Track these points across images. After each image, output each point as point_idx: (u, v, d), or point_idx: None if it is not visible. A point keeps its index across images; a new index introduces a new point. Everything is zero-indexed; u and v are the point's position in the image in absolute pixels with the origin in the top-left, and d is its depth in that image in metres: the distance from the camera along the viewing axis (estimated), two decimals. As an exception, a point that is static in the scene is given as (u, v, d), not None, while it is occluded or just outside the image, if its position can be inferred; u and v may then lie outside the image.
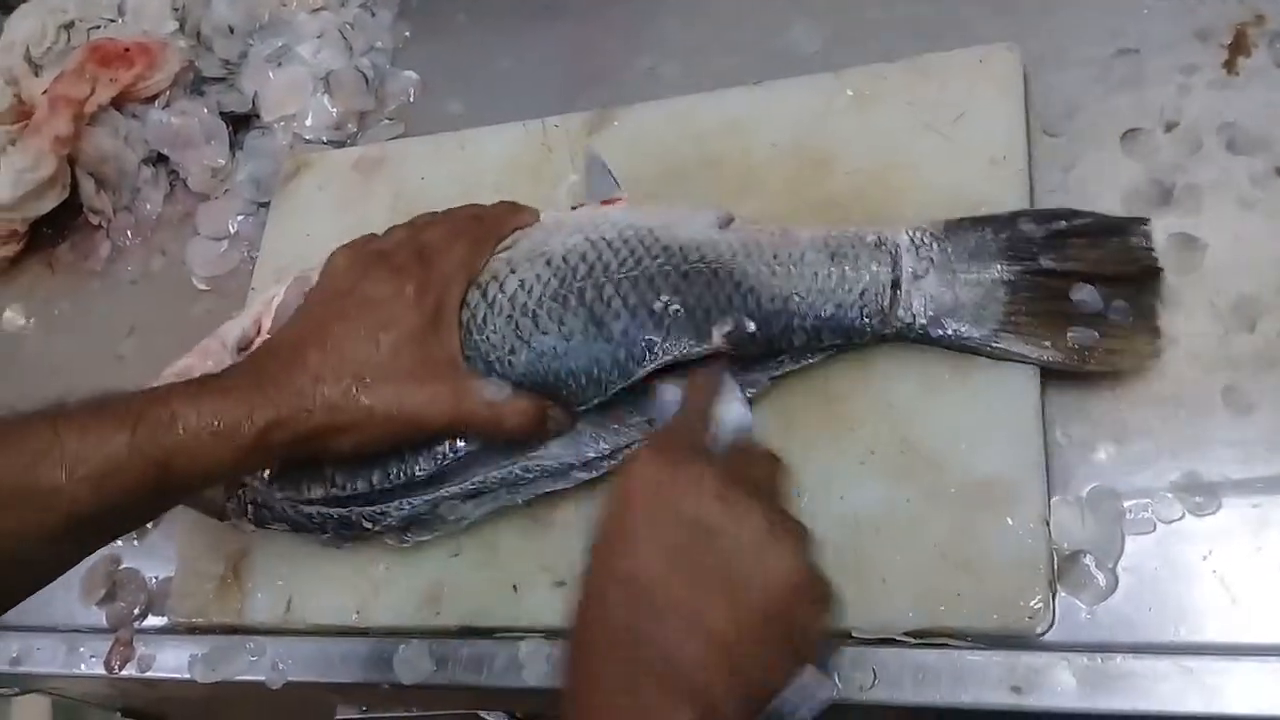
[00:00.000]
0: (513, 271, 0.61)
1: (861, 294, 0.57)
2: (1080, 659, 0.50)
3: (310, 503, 0.62)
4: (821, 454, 0.58)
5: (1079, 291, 0.55)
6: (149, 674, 0.68)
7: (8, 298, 0.92)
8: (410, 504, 0.61)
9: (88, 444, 0.51)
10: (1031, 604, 0.52)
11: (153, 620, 0.72)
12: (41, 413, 0.53)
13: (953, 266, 0.57)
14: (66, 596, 0.73)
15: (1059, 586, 0.52)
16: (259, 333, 0.66)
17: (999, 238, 0.57)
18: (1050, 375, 0.56)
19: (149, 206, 0.90)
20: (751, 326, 0.57)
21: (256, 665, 0.65)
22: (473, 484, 0.60)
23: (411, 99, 0.86)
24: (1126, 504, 0.53)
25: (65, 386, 0.81)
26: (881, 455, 0.57)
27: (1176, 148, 0.59)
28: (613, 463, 0.60)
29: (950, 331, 0.56)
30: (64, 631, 0.72)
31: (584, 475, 0.60)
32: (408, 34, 0.89)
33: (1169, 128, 0.59)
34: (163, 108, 0.88)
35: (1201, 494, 0.52)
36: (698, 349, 0.57)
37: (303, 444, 0.56)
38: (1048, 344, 0.55)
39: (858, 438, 0.58)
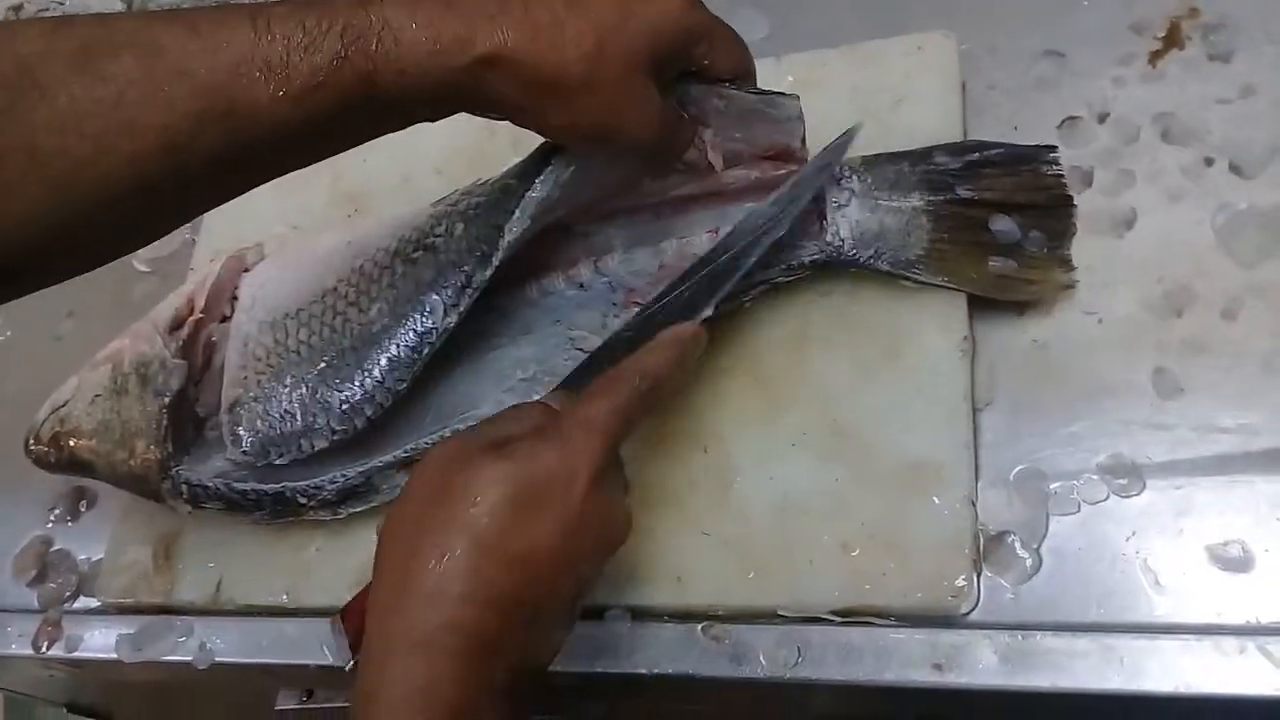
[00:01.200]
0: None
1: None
2: (1002, 637, 0.50)
3: (245, 479, 0.61)
4: (753, 435, 0.58)
5: (998, 222, 0.56)
6: (76, 654, 0.67)
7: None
8: (344, 475, 0.61)
9: (293, 51, 0.45)
10: (956, 583, 0.52)
11: (86, 602, 0.71)
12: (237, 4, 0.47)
13: (874, 195, 0.58)
14: (-3, 576, 0.72)
15: (984, 566, 0.52)
16: (192, 312, 0.66)
17: (916, 169, 0.59)
18: (980, 355, 0.56)
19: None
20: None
21: (183, 646, 0.64)
22: (405, 451, 0.60)
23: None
24: (1052, 485, 0.53)
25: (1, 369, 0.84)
26: (812, 436, 0.57)
27: (1112, 136, 0.59)
28: None
29: (875, 254, 0.58)
30: (-7, 610, 0.71)
31: None
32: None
33: (1102, 118, 0.60)
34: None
35: (1126, 476, 0.52)
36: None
37: (518, 90, 0.48)
38: (971, 273, 0.57)
39: (789, 420, 0.58)
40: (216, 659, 0.63)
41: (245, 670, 0.64)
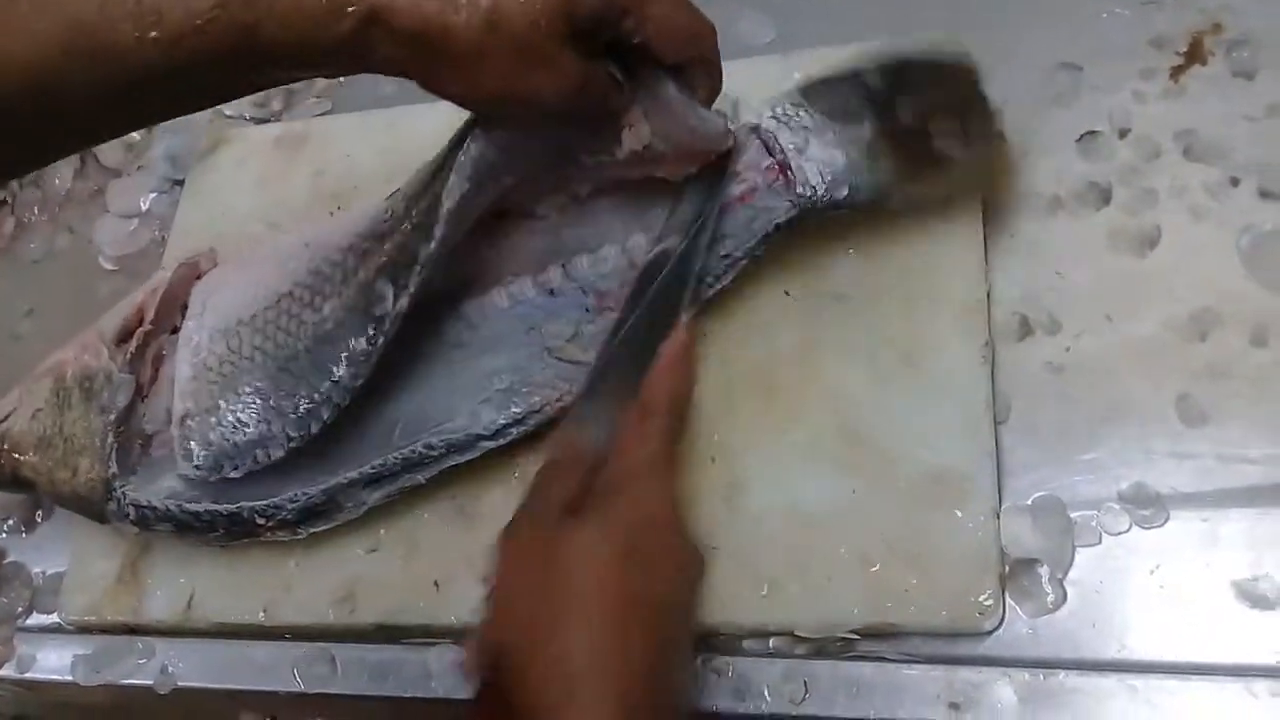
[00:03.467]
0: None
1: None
2: (1022, 674, 0.48)
3: (197, 499, 0.58)
4: (765, 446, 0.56)
5: (939, 132, 0.55)
6: (28, 675, 0.62)
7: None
8: (305, 494, 0.57)
9: None
10: (982, 599, 0.50)
11: (40, 619, 0.66)
12: None
13: (830, 127, 0.56)
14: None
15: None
16: (141, 323, 0.62)
17: (855, 94, 0.56)
18: (995, 375, 0.54)
19: (58, 182, 0.85)
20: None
21: (144, 668, 0.60)
22: (372, 467, 0.57)
23: (341, 77, 0.82)
24: (1073, 514, 0.51)
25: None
26: (827, 447, 0.55)
27: (1133, 153, 0.58)
28: (522, 428, 0.57)
29: (855, 192, 0.55)
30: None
31: (490, 444, 0.57)
32: (342, 9, 0.85)
33: (1123, 134, 0.58)
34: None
35: (1149, 506, 0.50)
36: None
37: (405, 50, 0.45)
38: (941, 183, 0.56)
39: (802, 429, 0.56)
40: (179, 683, 0.60)
41: (209, 694, 0.61)
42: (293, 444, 0.56)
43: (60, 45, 0.44)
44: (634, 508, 0.48)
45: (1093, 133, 0.58)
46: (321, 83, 0.82)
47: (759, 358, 0.58)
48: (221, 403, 0.57)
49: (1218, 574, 0.48)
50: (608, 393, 0.54)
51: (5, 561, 0.69)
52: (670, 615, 0.47)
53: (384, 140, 0.73)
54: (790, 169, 0.56)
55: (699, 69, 0.52)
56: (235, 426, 0.57)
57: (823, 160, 0.56)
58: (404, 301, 0.54)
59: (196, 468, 0.57)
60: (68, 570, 0.66)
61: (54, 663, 0.63)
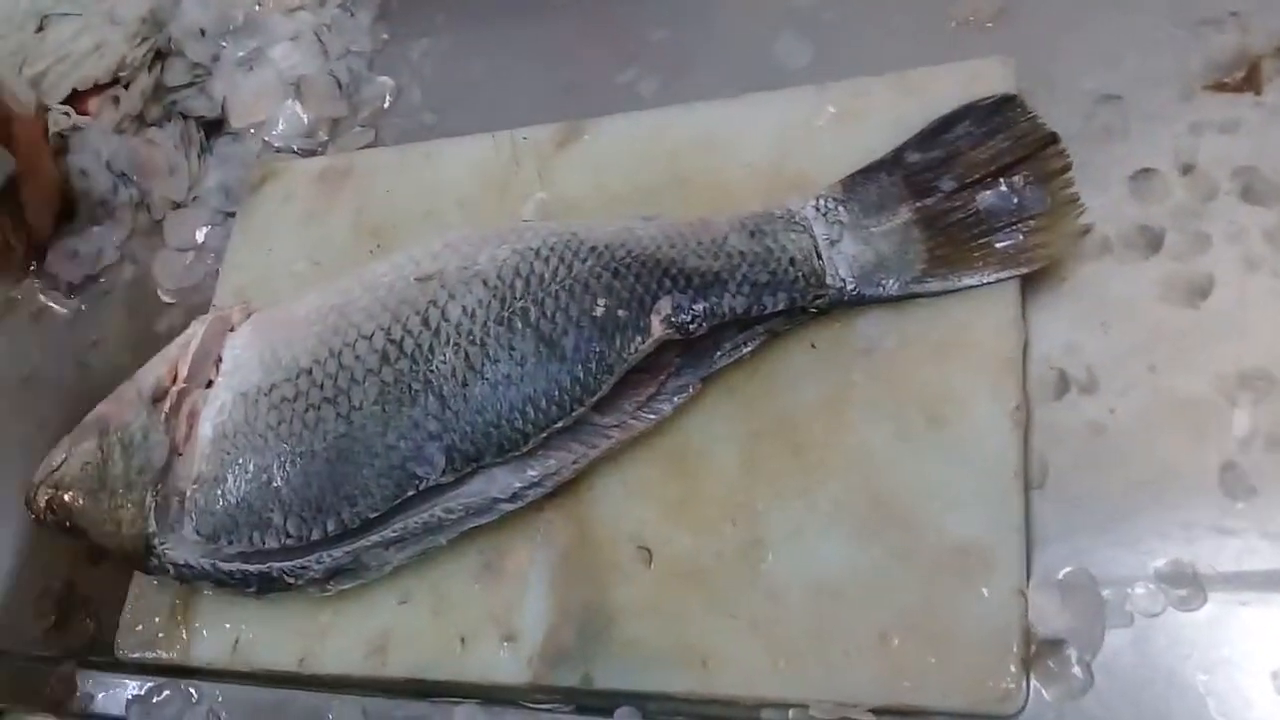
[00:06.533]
0: (451, 297, 0.58)
1: (791, 261, 0.56)
2: (1047, 766, 0.46)
3: (229, 559, 0.59)
4: (786, 507, 0.55)
5: (985, 198, 0.54)
6: (88, 711, 0.65)
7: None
8: (331, 556, 0.58)
9: None
10: (1003, 684, 0.48)
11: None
12: None
13: (863, 224, 0.56)
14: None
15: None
16: (174, 381, 0.63)
17: (893, 179, 0.56)
18: (1030, 434, 0.52)
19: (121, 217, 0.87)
20: (689, 302, 0.55)
21: (194, 710, 0.62)
22: (394, 531, 0.57)
23: (385, 105, 0.82)
24: (1105, 592, 0.49)
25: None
26: (850, 510, 0.53)
27: (1188, 193, 0.54)
28: (539, 490, 0.57)
29: (881, 287, 0.55)
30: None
31: (509, 506, 0.57)
32: (386, 37, 0.85)
33: (1182, 170, 0.54)
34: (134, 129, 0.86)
35: (1187, 586, 0.47)
36: (644, 346, 0.55)
37: None
38: (979, 263, 0.54)
39: (825, 490, 0.54)
40: (225, 727, 0.62)
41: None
42: (289, 541, 0.57)
43: None
44: None
45: (1147, 170, 0.55)
46: (367, 110, 0.82)
47: (782, 413, 0.56)
48: (229, 475, 0.58)
49: (1258, 664, 0.46)
50: None
51: (73, 594, 0.72)
52: None
53: (422, 175, 0.73)
54: (821, 259, 0.56)
55: None
56: (238, 504, 0.58)
57: (853, 255, 0.56)
58: (450, 478, 0.56)
59: (197, 533, 0.58)
60: (126, 606, 0.68)
61: (111, 702, 0.66)
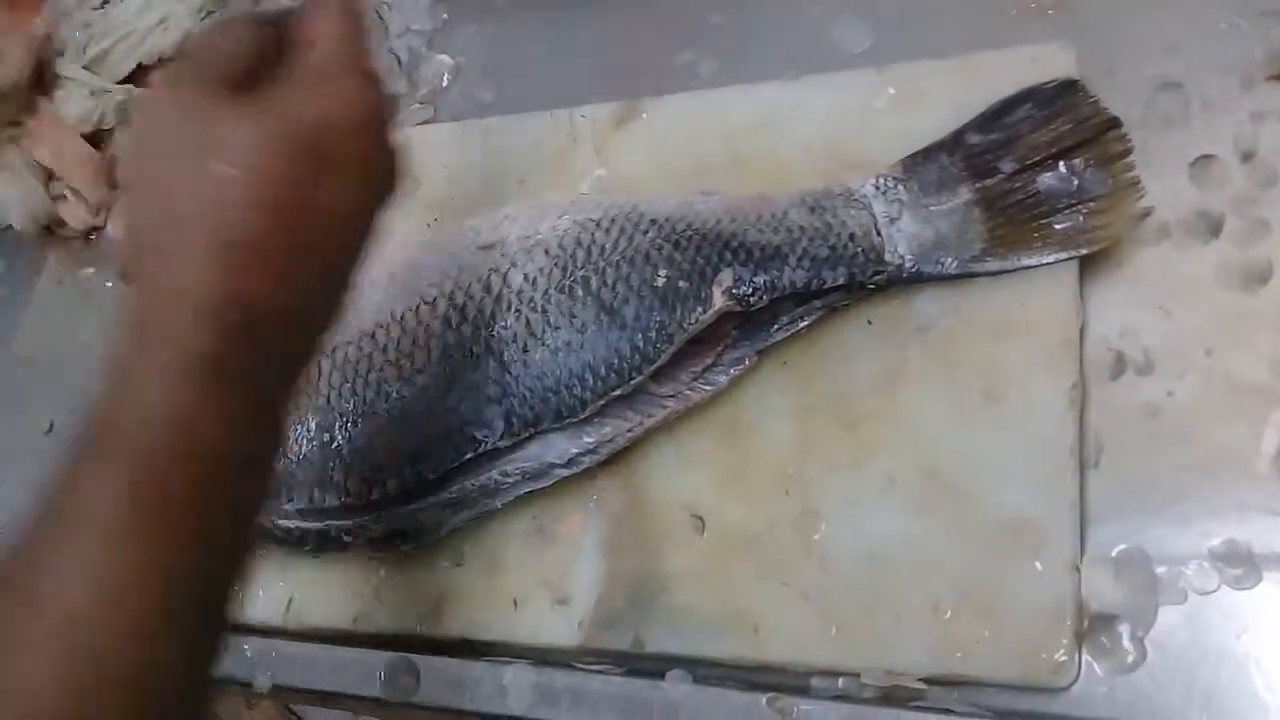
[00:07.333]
0: (513, 264, 0.59)
1: (851, 236, 0.57)
2: (1095, 740, 0.47)
3: (289, 516, 0.60)
4: (839, 480, 0.55)
5: (1045, 180, 0.55)
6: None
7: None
8: (390, 516, 0.59)
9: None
10: (1056, 657, 0.48)
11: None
12: None
13: (923, 203, 0.57)
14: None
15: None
16: None
17: (954, 159, 0.57)
18: (1086, 413, 0.52)
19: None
20: (749, 275, 0.56)
21: (250, 665, 0.63)
22: (452, 493, 0.58)
23: (444, 83, 0.83)
24: (1158, 569, 0.49)
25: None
26: (903, 484, 0.54)
27: (1248, 180, 0.54)
28: (594, 457, 0.58)
29: (940, 265, 0.56)
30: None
31: (564, 472, 0.58)
32: (445, 16, 0.86)
33: (1243, 157, 0.54)
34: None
35: (1241, 565, 0.48)
36: (705, 316, 0.56)
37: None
38: (1039, 244, 0.54)
39: (879, 463, 0.55)
40: (275, 682, 0.63)
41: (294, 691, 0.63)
42: (349, 499, 0.58)
43: None
44: (322, 103, 0.42)
45: (1207, 156, 0.55)
46: (426, 88, 0.83)
47: (837, 387, 0.57)
48: (292, 433, 0.59)
49: (1311, 642, 0.46)
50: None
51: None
52: (339, 232, 0.43)
53: (480, 151, 0.74)
54: (881, 236, 0.56)
55: None
56: (299, 461, 0.59)
57: (913, 234, 0.56)
58: (507, 442, 0.57)
59: None
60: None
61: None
